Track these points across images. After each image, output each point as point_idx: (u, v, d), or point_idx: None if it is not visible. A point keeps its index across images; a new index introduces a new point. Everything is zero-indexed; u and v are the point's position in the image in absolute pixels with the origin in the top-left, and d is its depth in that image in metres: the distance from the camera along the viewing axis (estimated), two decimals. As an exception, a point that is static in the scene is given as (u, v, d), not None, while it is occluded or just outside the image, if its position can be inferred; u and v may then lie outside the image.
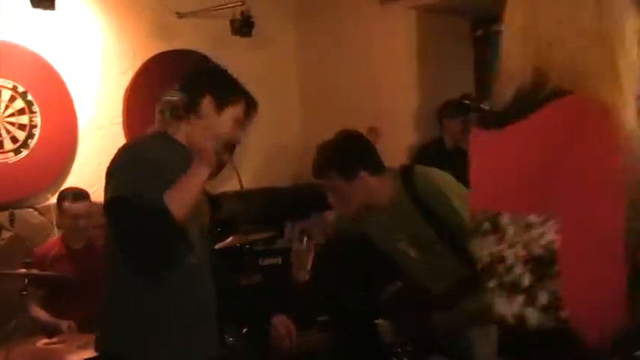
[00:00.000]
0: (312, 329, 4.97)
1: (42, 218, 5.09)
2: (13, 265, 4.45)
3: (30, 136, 5.05)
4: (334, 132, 6.00)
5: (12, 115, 4.99)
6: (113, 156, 2.71)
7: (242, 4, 5.67)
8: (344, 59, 6.02)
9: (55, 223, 4.98)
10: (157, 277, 2.59)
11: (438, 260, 3.16)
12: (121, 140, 5.53)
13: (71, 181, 5.20)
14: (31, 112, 5.06)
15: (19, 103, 5.01)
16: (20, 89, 5.01)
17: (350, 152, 3.14)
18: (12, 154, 4.98)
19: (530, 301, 1.59)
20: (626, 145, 1.46)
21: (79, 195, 4.58)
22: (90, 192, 4.88)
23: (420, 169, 3.25)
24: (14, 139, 4.99)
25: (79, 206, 4.52)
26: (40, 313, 4.32)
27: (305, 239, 3.14)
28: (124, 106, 5.57)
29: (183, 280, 2.64)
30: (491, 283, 1.72)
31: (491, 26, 5.78)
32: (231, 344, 4.22)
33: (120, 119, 5.55)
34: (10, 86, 4.98)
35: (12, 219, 4.97)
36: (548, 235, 1.52)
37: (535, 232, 1.55)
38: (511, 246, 1.62)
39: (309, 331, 4.97)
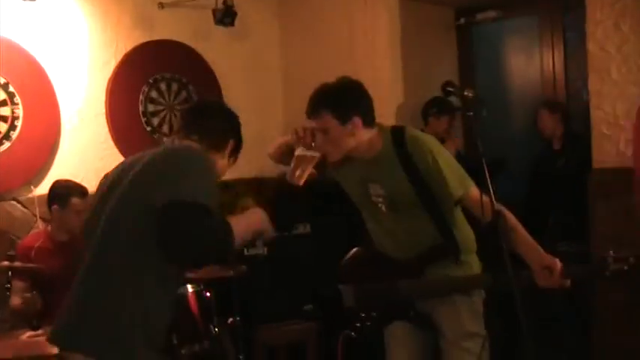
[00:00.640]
0: (297, 319, 4.99)
1: (25, 210, 5.06)
2: (-3, 258, 4.43)
3: (12, 127, 5.01)
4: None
5: (-7, 107, 4.96)
6: (180, 151, 2.71)
7: (223, -7, 5.65)
8: (327, 49, 6.02)
9: (37, 215, 4.96)
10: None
11: (410, 223, 3.17)
12: (104, 131, 5.51)
13: (54, 173, 5.17)
14: (13, 103, 5.02)
15: (0, 95, 4.97)
16: (2, 81, 4.97)
17: (348, 96, 3.15)
18: (-6, 146, 4.95)
19: None
20: None
21: (85, 191, 4.57)
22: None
23: (412, 130, 3.27)
24: (-4, 131, 4.96)
25: (84, 202, 4.51)
26: (14, 300, 4.29)
27: (313, 145, 3.12)
28: (106, 97, 5.54)
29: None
30: None
31: (474, 15, 5.79)
32: (216, 334, 4.22)
33: (103, 110, 5.52)
34: (-8, 78, 4.94)
35: (-6, 211, 4.94)
36: None
37: None
38: None
39: (294, 320, 4.99)
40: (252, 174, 6.30)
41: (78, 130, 5.37)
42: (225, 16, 5.62)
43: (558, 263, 2.82)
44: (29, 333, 3.90)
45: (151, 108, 5.75)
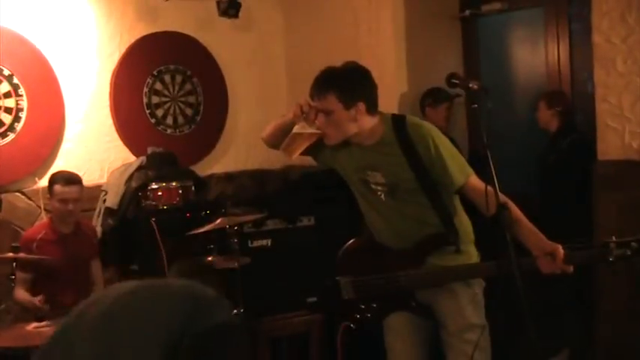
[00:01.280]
0: (302, 310, 4.99)
1: (29, 202, 5.07)
2: (1, 249, 4.44)
3: (16, 119, 5.02)
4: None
5: (-2, 98, 4.97)
6: None
7: (229, -14, 5.64)
8: (331, 40, 6.00)
9: (42, 206, 4.97)
10: None
11: (410, 211, 3.16)
12: (108, 123, 5.52)
13: (59, 165, 5.18)
14: (18, 95, 5.03)
15: (4, 86, 4.98)
16: (6, 72, 4.98)
17: (354, 81, 3.15)
18: (-2, 137, 4.96)
19: None
20: None
21: (71, 179, 4.56)
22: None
23: (413, 117, 3.28)
24: (0, 123, 4.96)
25: (69, 190, 4.50)
26: (19, 294, 4.32)
27: (315, 125, 3.12)
28: (110, 88, 5.54)
29: None
30: None
31: (479, 7, 5.77)
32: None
33: (107, 102, 5.52)
34: (-4, 69, 4.95)
35: (-1, 203, 4.95)
36: None
37: None
38: None
39: (298, 312, 4.99)
40: (256, 165, 6.32)
41: (82, 121, 5.38)
42: (230, 8, 5.62)
43: (561, 249, 2.82)
44: (34, 324, 3.92)
45: (155, 100, 5.76)
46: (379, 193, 3.21)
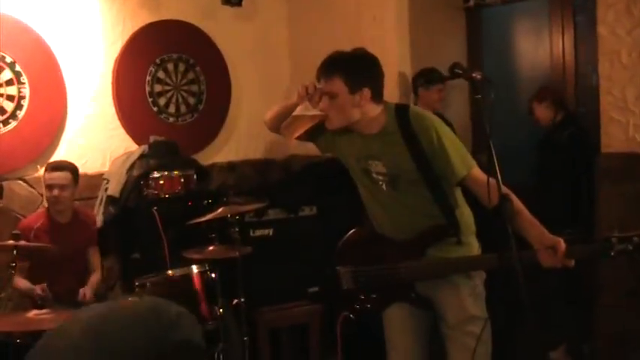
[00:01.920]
0: (303, 300, 4.99)
1: (31, 190, 5.07)
2: (2, 236, 4.44)
3: (18, 107, 5.01)
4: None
5: (0, 86, 4.95)
6: None
7: (232, -26, 5.62)
8: (334, 28, 5.98)
9: (44, 194, 4.97)
10: None
11: (411, 201, 3.15)
12: (110, 112, 5.51)
13: (61, 153, 5.18)
14: (20, 82, 5.01)
15: (7, 74, 4.96)
16: (8, 60, 4.96)
17: (362, 66, 3.14)
18: (0, 125, 4.94)
19: None
20: None
21: (57, 166, 4.57)
22: (80, 164, 4.87)
23: (416, 107, 3.28)
24: (2, 111, 4.95)
25: (54, 176, 4.50)
26: (19, 282, 4.33)
27: (318, 107, 3.12)
28: (113, 77, 5.53)
29: None
30: None
31: (484, -3, 5.75)
32: (220, 315, 4.22)
33: (109, 90, 5.51)
34: (-2, 57, 4.93)
35: (0, 191, 4.95)
36: None
37: None
38: None
39: (298, 302, 5.00)
40: (258, 155, 6.31)
41: (84, 109, 5.37)
42: (233, -4, 5.60)
43: (562, 243, 2.81)
44: (35, 311, 3.92)
45: (157, 88, 5.74)
46: (380, 182, 3.19)
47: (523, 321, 2.56)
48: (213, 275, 4.28)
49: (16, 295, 4.40)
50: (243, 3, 5.68)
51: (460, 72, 2.76)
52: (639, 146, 4.10)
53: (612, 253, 2.79)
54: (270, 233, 5.07)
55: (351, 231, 3.45)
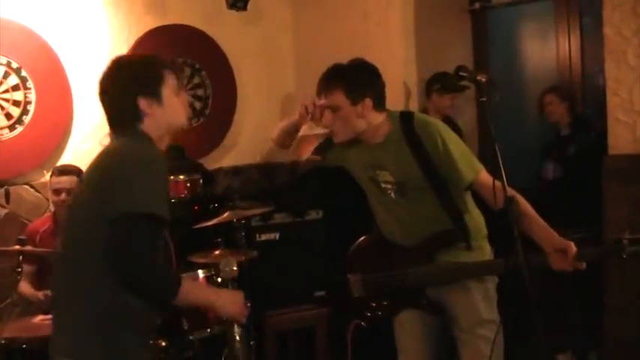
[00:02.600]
0: (310, 304, 4.98)
1: (37, 195, 5.07)
2: (9, 242, 4.44)
3: (24, 112, 5.01)
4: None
5: (6, 91, 4.95)
6: (119, 155, 2.47)
7: (237, -22, 5.62)
8: (340, 32, 5.97)
9: (50, 199, 4.97)
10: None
11: (420, 208, 3.14)
12: (116, 116, 5.50)
13: (67, 158, 5.18)
14: (26, 88, 5.02)
15: (13, 79, 4.97)
16: (14, 65, 4.97)
17: (361, 76, 3.14)
18: (7, 130, 4.94)
19: None
20: None
21: (64, 170, 4.57)
22: (86, 168, 4.86)
23: (421, 114, 3.29)
24: (8, 116, 4.96)
25: (61, 180, 4.50)
26: (24, 287, 4.33)
27: (321, 124, 3.13)
28: (119, 81, 5.52)
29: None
30: None
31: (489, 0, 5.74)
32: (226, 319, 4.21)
33: (115, 95, 5.51)
34: (4, 62, 4.93)
35: (7, 196, 4.95)
36: None
37: None
38: None
39: (305, 306, 4.99)
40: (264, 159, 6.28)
41: (90, 114, 5.36)
42: (238, 1, 5.60)
43: (573, 246, 2.79)
44: (41, 317, 3.92)
45: (163, 93, 5.73)
46: (389, 191, 3.19)
47: (531, 324, 2.54)
48: (219, 280, 4.27)
49: (22, 300, 4.40)
50: (248, 7, 5.68)
51: (465, 75, 2.75)
52: (646, 148, 4.09)
53: (624, 256, 2.77)
54: (276, 237, 5.06)
55: (360, 238, 3.44)
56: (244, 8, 5.65)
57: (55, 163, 5.04)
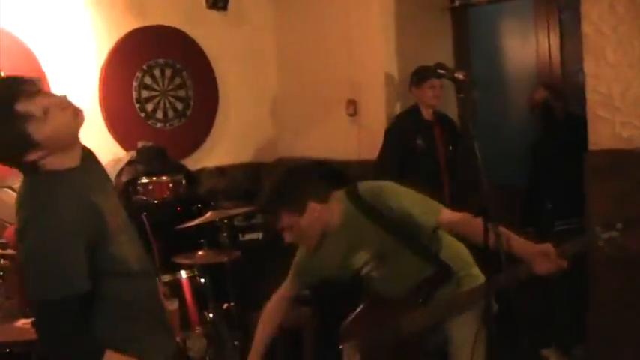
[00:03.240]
0: (294, 303, 4.98)
1: (19, 198, 5.04)
2: (-10, 246, 4.41)
3: (4, 115, 4.98)
4: (313, 105, 6.03)
5: (-14, 94, 4.93)
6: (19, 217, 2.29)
7: (217, -22, 5.62)
8: (321, 31, 5.98)
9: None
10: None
11: (400, 269, 3.15)
12: (98, 118, 5.49)
13: (48, 160, 5.15)
14: (6, 90, 4.99)
15: (-8, 82, 4.94)
16: (-6, 68, 4.95)
17: (294, 187, 3.14)
18: (-13, 133, 4.92)
19: None
20: None
21: None
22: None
23: (363, 184, 3.26)
24: (-11, 119, 4.93)
25: None
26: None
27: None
28: (100, 83, 5.52)
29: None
30: None
31: (470, -3, 5.76)
32: (210, 320, 4.22)
33: (96, 97, 5.49)
34: (-17, 65, 4.91)
35: (-12, 199, 4.93)
36: None
37: None
38: None
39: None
40: (248, 159, 6.30)
41: (71, 116, 5.34)
42: (218, 1, 5.60)
43: (551, 246, 2.80)
44: (23, 320, 3.90)
45: (144, 94, 5.74)
46: (371, 272, 3.19)
47: (515, 321, 2.55)
48: (202, 280, 4.27)
49: (5, 304, 4.37)
50: (229, 8, 5.68)
51: (443, 72, 2.75)
52: (626, 143, 4.11)
53: (600, 243, 2.77)
54: (260, 237, 5.07)
55: (354, 312, 3.40)
56: (224, 8, 5.66)
57: (36, 166, 5.02)
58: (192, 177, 5.47)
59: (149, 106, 5.76)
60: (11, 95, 2.21)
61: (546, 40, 5.45)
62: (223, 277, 4.39)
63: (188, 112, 5.97)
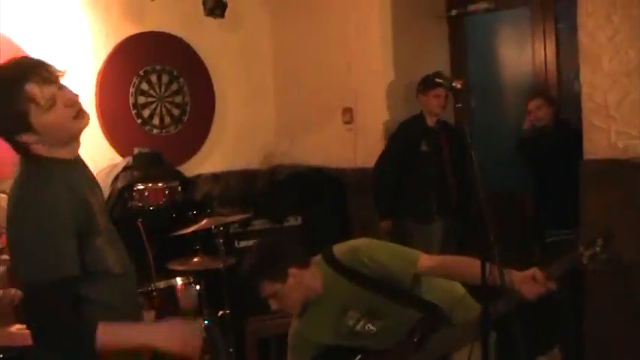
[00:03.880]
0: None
1: (15, 203, 5.03)
2: (-15, 251, 4.40)
3: None
4: (309, 113, 6.02)
5: (-18, 99, 4.92)
6: (12, 204, 2.31)
7: (215, -15, 5.62)
8: (318, 38, 5.99)
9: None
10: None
11: (395, 318, 3.13)
12: (94, 123, 5.48)
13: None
14: (2, 95, 4.98)
15: (-11, 87, 4.93)
16: (-10, 73, 4.93)
17: (274, 258, 3.14)
18: (-17, 138, 4.91)
19: None
20: None
21: None
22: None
23: (338, 246, 3.25)
24: (-15, 124, 4.92)
25: None
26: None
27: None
28: (96, 89, 5.51)
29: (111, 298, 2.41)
30: None
31: (466, 6, 5.77)
32: (206, 327, 4.21)
33: (93, 102, 5.49)
34: (-20, 70, 4.90)
35: (-16, 204, 4.91)
36: None
37: None
38: None
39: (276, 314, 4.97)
40: (242, 166, 6.30)
41: (67, 122, 5.34)
42: (216, 8, 5.59)
43: (537, 270, 2.79)
44: (17, 326, 3.89)
45: (141, 100, 5.74)
46: (366, 327, 3.18)
47: (512, 331, 2.54)
48: (197, 287, 4.26)
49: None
50: (226, 14, 5.68)
51: (441, 81, 2.76)
52: (621, 152, 4.12)
53: (585, 262, 2.77)
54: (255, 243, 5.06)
55: None
56: (222, 16, 5.65)
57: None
58: (188, 183, 5.47)
59: (146, 112, 5.76)
60: (26, 74, 2.24)
61: (543, 49, 5.47)
62: (218, 283, 4.38)
63: (185, 119, 5.97)
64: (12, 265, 2.25)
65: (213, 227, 4.39)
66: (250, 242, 5.03)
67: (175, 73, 5.91)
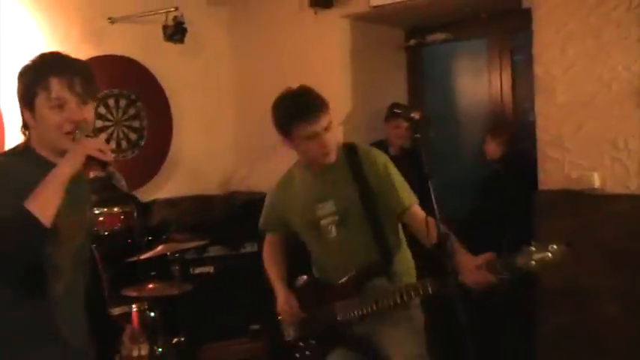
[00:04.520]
0: (244, 338, 4.95)
1: None
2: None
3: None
4: (268, 139, 5.99)
5: None
6: None
7: (175, 10, 5.61)
8: (278, 66, 6.01)
9: None
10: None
11: (354, 239, 3.17)
12: (49, 147, 5.41)
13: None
14: (-45, 117, 4.92)
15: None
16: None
17: (320, 95, 3.24)
18: None
19: None
20: None
21: None
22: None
23: (365, 146, 3.33)
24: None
25: None
26: None
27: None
28: (53, 111, 5.45)
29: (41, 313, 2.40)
30: None
31: (425, 36, 5.84)
32: (160, 354, 4.17)
33: (49, 125, 5.42)
34: None
35: None
36: None
37: None
38: None
39: (240, 339, 4.95)
40: (199, 191, 6.26)
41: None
42: (175, 33, 5.60)
43: (487, 257, 2.77)
44: None
45: (98, 124, 5.69)
46: (329, 227, 3.20)
47: (462, 352, 2.55)
48: (152, 314, 4.22)
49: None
50: (186, 40, 5.67)
51: (399, 112, 2.81)
52: (575, 183, 4.18)
53: (533, 262, 2.74)
54: (211, 271, 5.03)
55: (296, 282, 3.45)
56: (181, 41, 5.65)
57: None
58: (144, 208, 5.42)
59: (102, 136, 5.71)
60: (57, 67, 2.43)
61: (499, 80, 5.56)
62: (173, 310, 4.34)
63: (142, 143, 5.93)
64: None
65: (168, 254, 4.36)
66: (206, 269, 5.00)
67: (133, 97, 5.87)
